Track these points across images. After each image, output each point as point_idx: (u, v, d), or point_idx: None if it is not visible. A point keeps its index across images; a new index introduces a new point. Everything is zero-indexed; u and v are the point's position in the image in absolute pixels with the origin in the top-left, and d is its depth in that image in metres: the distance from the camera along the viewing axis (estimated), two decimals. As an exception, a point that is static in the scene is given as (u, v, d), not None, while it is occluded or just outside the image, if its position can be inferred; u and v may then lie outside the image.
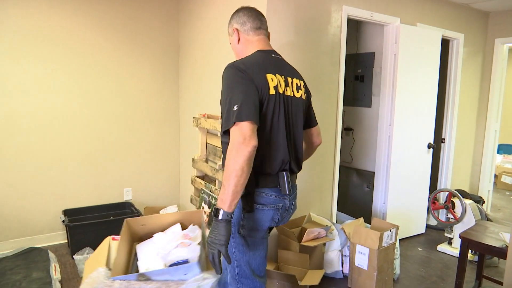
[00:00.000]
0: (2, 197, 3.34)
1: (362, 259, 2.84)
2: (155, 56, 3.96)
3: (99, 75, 3.66)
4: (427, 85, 3.89)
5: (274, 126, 1.64)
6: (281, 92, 1.65)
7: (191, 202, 3.69)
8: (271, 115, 1.62)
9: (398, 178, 3.77)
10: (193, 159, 3.61)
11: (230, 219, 1.48)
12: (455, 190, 3.76)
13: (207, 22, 3.54)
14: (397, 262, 3.10)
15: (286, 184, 1.66)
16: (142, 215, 3.83)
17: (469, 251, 3.36)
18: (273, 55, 1.77)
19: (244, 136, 1.45)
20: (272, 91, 1.61)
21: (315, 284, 2.70)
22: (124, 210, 3.81)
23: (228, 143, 1.52)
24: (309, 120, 1.94)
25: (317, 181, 3.31)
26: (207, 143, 3.57)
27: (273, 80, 1.63)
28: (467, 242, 2.38)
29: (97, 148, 3.75)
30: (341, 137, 4.37)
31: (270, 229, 1.86)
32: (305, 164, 3.20)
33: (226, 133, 1.55)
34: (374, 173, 3.91)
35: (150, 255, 1.84)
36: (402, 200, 3.85)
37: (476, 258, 3.24)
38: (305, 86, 1.86)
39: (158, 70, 4.00)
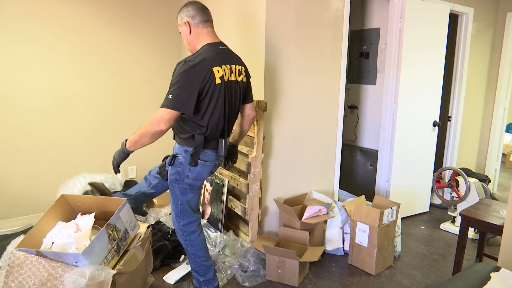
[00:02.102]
0: (10, 176, 3.39)
1: (362, 236, 2.84)
2: (156, 34, 3.91)
3: (100, 55, 3.64)
4: (433, 61, 3.80)
5: (218, 106, 2.09)
6: (225, 79, 2.09)
7: (194, 180, 3.71)
8: (216, 98, 2.06)
9: (402, 157, 3.74)
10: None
11: (127, 154, 2.18)
12: (460, 168, 3.72)
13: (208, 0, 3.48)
14: (398, 240, 3.10)
15: (223, 147, 2.21)
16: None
17: (473, 230, 3.37)
18: (220, 47, 2.14)
19: (160, 118, 1.94)
20: (218, 81, 2.04)
21: (314, 261, 2.72)
22: (129, 188, 3.84)
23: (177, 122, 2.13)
24: (246, 97, 2.35)
25: (318, 160, 3.30)
26: (209, 121, 3.56)
27: (219, 72, 2.05)
28: (467, 220, 2.36)
29: (100, 127, 3.76)
30: (345, 115, 4.34)
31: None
32: (306, 142, 3.19)
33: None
34: (378, 151, 3.88)
35: (56, 235, 2.07)
36: (406, 178, 3.82)
37: (479, 236, 3.22)
38: (245, 70, 2.30)
39: (159, 49, 3.96)
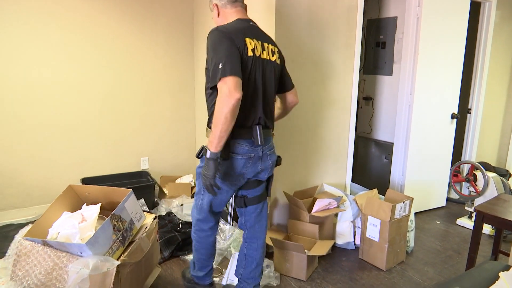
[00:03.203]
0: (24, 167, 3.45)
1: (373, 230, 2.78)
2: (169, 24, 3.90)
3: (114, 46, 3.65)
4: (452, 52, 3.66)
5: (251, 85, 1.88)
6: (257, 55, 1.89)
7: (205, 171, 3.70)
8: (248, 74, 1.86)
9: (418, 150, 3.63)
10: (206, 129, 3.59)
11: (217, 158, 1.79)
12: (479, 162, 3.59)
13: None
14: (411, 235, 3.02)
15: (259, 136, 1.93)
16: (158, 185, 3.90)
17: (490, 226, 3.25)
18: (250, 23, 1.99)
19: (229, 89, 1.68)
20: (250, 53, 1.85)
21: (324, 255, 2.68)
22: (141, 179, 3.87)
23: (211, 95, 1.87)
24: (286, 83, 2.22)
25: (331, 152, 3.23)
26: (220, 112, 3.53)
27: (251, 44, 1.87)
28: (482, 216, 2.27)
29: (114, 118, 3.79)
30: (361, 107, 4.25)
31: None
32: (318, 133, 3.13)
33: (213, 88, 1.80)
34: (393, 144, 3.78)
35: (61, 226, 2.06)
36: (422, 172, 3.72)
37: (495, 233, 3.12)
38: (279, 52, 2.11)
39: (173, 39, 3.95)
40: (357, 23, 3.11)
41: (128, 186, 3.59)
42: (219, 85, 1.71)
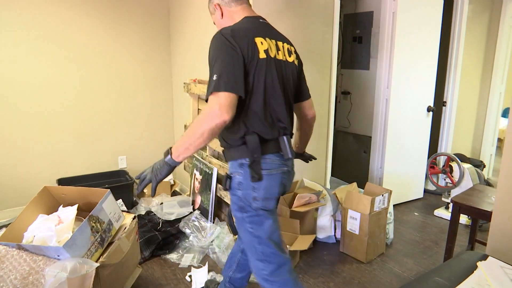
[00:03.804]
0: (-3, 167, 3.35)
1: (353, 224, 2.81)
2: (145, 20, 3.83)
3: (86, 43, 3.56)
4: (427, 45, 3.72)
5: (268, 90, 1.59)
6: (272, 56, 1.61)
7: (185, 169, 3.67)
8: (264, 79, 1.57)
9: (396, 143, 3.69)
10: (185, 126, 3.56)
11: (173, 167, 1.54)
12: (454, 154, 3.67)
13: (195, -18, 3.39)
14: (390, 227, 3.07)
15: (288, 147, 1.65)
16: (137, 183, 3.83)
17: (466, 216, 3.34)
18: (260, 20, 1.72)
19: (219, 107, 1.40)
20: (262, 55, 1.57)
21: (305, 249, 2.69)
22: (119, 178, 3.80)
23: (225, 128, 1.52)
24: (303, 92, 1.89)
25: (310, 147, 3.22)
26: (198, 109, 3.50)
27: (263, 44, 1.59)
28: (458, 206, 2.32)
29: (90, 117, 3.70)
30: (339, 101, 4.28)
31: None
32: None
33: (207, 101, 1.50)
34: (371, 137, 3.82)
35: (37, 229, 2.00)
36: (400, 164, 3.78)
37: (471, 222, 3.20)
38: (295, 52, 1.83)
39: (148, 35, 3.88)
40: (335, 18, 3.12)
41: (106, 186, 3.52)
42: (210, 98, 1.44)
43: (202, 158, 3.23)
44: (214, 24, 1.82)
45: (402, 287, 1.42)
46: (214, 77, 1.44)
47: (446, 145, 4.35)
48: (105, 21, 3.62)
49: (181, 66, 3.87)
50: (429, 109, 3.87)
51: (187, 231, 2.93)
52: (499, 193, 1.52)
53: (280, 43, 1.69)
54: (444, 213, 3.60)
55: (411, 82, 3.67)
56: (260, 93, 1.56)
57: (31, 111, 3.41)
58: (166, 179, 3.85)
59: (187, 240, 2.92)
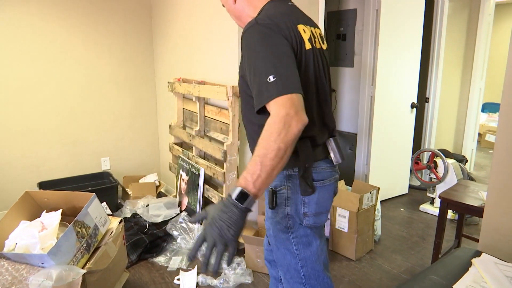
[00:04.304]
0: (-28, 171, 3.22)
1: (342, 221, 2.81)
2: (126, 19, 3.74)
3: (67, 42, 3.46)
4: (410, 42, 3.76)
5: (317, 85, 1.32)
6: (315, 45, 1.33)
7: (170, 169, 3.61)
8: (313, 73, 1.30)
9: (381, 139, 3.71)
10: (170, 126, 3.50)
11: (249, 209, 1.07)
12: (438, 150, 3.72)
13: (178, -20, 3.33)
14: (378, 224, 3.09)
15: (338, 150, 1.40)
16: (121, 185, 3.76)
17: (452, 210, 3.38)
18: (289, 3, 1.39)
19: (295, 109, 1.07)
20: (308, 45, 1.27)
21: (295, 249, 2.67)
22: (103, 180, 3.71)
23: (260, 125, 1.12)
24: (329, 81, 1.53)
25: (297, 145, 3.23)
26: (183, 108, 3.45)
27: (306, 32, 1.29)
28: (446, 202, 2.34)
29: (71, 118, 3.60)
30: (324, 99, 4.28)
31: None
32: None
33: (260, 112, 1.14)
34: (356, 134, 3.84)
35: (19, 236, 1.93)
36: (385, 161, 3.81)
37: (457, 217, 3.24)
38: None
39: (130, 35, 3.80)
40: (319, 16, 3.11)
41: (90, 188, 3.44)
42: (273, 107, 1.08)
43: (188, 158, 3.18)
44: (224, 7, 1.49)
45: (399, 286, 1.41)
46: (271, 79, 1.10)
47: (429, 141, 4.40)
48: (85, 20, 3.52)
49: (165, 65, 3.80)
50: (412, 106, 3.91)
51: (175, 233, 2.88)
52: (491, 189, 1.53)
53: (313, 29, 1.37)
54: (429, 208, 3.65)
55: (395, 79, 3.70)
56: (310, 89, 1.29)
57: (10, 112, 3.29)
58: (151, 180, 3.82)
59: (174, 243, 2.87)
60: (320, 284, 1.42)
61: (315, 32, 1.38)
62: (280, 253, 1.41)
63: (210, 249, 1.04)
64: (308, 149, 1.28)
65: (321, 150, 1.37)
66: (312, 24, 1.40)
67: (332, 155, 1.39)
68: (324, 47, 1.43)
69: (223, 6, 1.49)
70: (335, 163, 1.41)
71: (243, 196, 1.04)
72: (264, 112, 1.12)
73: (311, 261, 1.39)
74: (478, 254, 1.41)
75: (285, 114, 1.05)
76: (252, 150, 1.27)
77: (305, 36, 1.28)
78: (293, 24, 1.25)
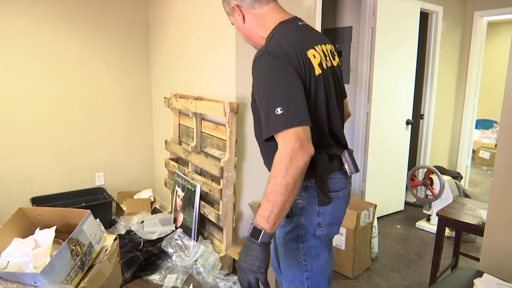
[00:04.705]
0: (-36, 186, 3.17)
1: (339, 239, 2.79)
2: (123, 33, 3.75)
3: (64, 56, 3.46)
4: (405, 59, 3.80)
5: (328, 105, 1.37)
6: (324, 67, 1.36)
7: (165, 185, 3.58)
8: (323, 95, 1.34)
9: (377, 156, 3.72)
10: (166, 141, 3.48)
11: (270, 242, 1.19)
12: (434, 166, 3.73)
13: (173, 1, 3.35)
14: (375, 241, 3.06)
15: (351, 162, 1.43)
16: (116, 201, 3.71)
17: (448, 228, 3.38)
18: (299, 23, 1.41)
19: (300, 142, 1.14)
20: (318, 71, 1.31)
21: (291, 266, 2.64)
22: (96, 196, 3.67)
23: (270, 144, 1.24)
24: (343, 92, 1.57)
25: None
26: (179, 124, 3.44)
27: (316, 57, 1.32)
28: (444, 220, 2.33)
29: (65, 132, 3.57)
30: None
31: None
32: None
33: (268, 139, 1.23)
34: (352, 151, 3.84)
35: (11, 254, 1.87)
36: (381, 177, 3.81)
37: (453, 234, 3.23)
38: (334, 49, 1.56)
39: (127, 49, 3.80)
40: (316, 33, 3.13)
41: (83, 204, 3.40)
42: (280, 140, 1.17)
43: (184, 174, 3.16)
44: (232, 24, 1.53)
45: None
46: (279, 111, 1.17)
47: (425, 157, 4.42)
48: (83, 34, 3.52)
49: (161, 80, 3.81)
50: (408, 122, 3.94)
51: (170, 250, 2.84)
52: (491, 209, 1.52)
53: (323, 47, 1.39)
54: (425, 225, 3.64)
55: (391, 95, 3.73)
56: (321, 109, 1.34)
57: (3, 125, 3.26)
58: (145, 196, 3.78)
59: (169, 260, 2.82)
60: None
61: (326, 50, 1.40)
62: (287, 263, 1.41)
63: (244, 283, 1.19)
64: (325, 162, 1.33)
65: (337, 162, 1.40)
66: (323, 41, 1.41)
67: (346, 166, 1.42)
68: (335, 63, 1.45)
69: (232, 24, 1.53)
70: (349, 174, 1.44)
71: (258, 232, 1.15)
72: (272, 139, 1.20)
73: (316, 274, 1.40)
74: (479, 274, 1.40)
75: (290, 149, 1.13)
76: (267, 166, 1.44)
77: (315, 62, 1.31)
78: (302, 51, 1.28)
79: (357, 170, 1.44)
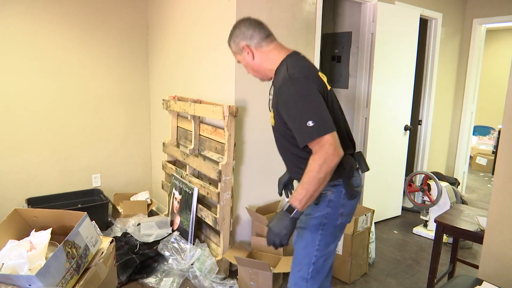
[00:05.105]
0: (-41, 186, 3.14)
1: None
2: (122, 36, 3.74)
3: (62, 57, 3.44)
4: (404, 65, 3.81)
5: (343, 116, 1.72)
6: (329, 87, 1.68)
7: (163, 188, 3.56)
8: (338, 108, 1.68)
9: (375, 161, 3.71)
10: (164, 144, 3.46)
11: (298, 218, 1.51)
12: (431, 172, 3.73)
13: (174, 2, 3.35)
14: (372, 246, 3.06)
15: (363, 160, 1.70)
16: (112, 203, 3.69)
17: (445, 234, 3.37)
18: (301, 55, 1.71)
19: (334, 148, 1.44)
20: (329, 87, 1.65)
21: (288, 272, 2.62)
22: (93, 197, 3.65)
23: (294, 153, 1.65)
24: None
25: (292, 165, 3.21)
26: (178, 126, 3.43)
27: (323, 77, 1.66)
28: (442, 227, 2.33)
29: (62, 133, 3.55)
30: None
31: None
32: (275, 148, 3.10)
33: (305, 146, 1.50)
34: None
35: (6, 256, 1.85)
36: (379, 182, 3.80)
37: (450, 240, 3.23)
38: None
39: (126, 51, 3.79)
40: (316, 38, 3.14)
41: (79, 205, 3.38)
42: (315, 147, 1.46)
43: (181, 177, 3.14)
44: (239, 63, 1.79)
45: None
46: (310, 123, 1.44)
47: (422, 163, 4.42)
48: (82, 35, 3.51)
49: (160, 82, 3.79)
50: (406, 128, 3.94)
51: (166, 253, 2.82)
52: (491, 218, 1.52)
53: (320, 74, 1.68)
54: (422, 231, 3.63)
55: (389, 101, 3.73)
56: (338, 119, 1.63)
57: (2, 125, 3.24)
58: (142, 198, 3.76)
59: (166, 263, 2.80)
60: (319, 281, 1.68)
61: (323, 76, 1.68)
62: (302, 243, 1.69)
63: (270, 244, 1.53)
64: (352, 163, 1.62)
65: (354, 161, 1.67)
66: (319, 70, 1.73)
67: (361, 165, 1.70)
68: (329, 87, 1.69)
69: (238, 62, 1.80)
70: (361, 173, 1.72)
71: (291, 209, 1.47)
72: (305, 147, 1.51)
73: (321, 261, 1.66)
74: (479, 282, 1.39)
75: (325, 153, 1.43)
76: (291, 172, 1.82)
77: (325, 80, 1.64)
78: (316, 73, 1.60)
79: (367, 168, 1.70)
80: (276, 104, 1.62)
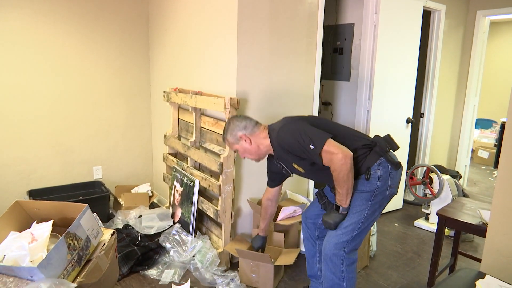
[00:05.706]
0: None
1: (338, 237, 2.77)
2: (123, 27, 3.71)
3: (63, 50, 3.42)
4: (407, 58, 3.78)
5: (340, 126, 2.14)
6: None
7: (164, 180, 3.56)
8: (330, 121, 2.25)
9: (376, 154, 3.70)
10: (165, 136, 3.45)
11: (346, 213, 1.94)
12: (433, 165, 3.72)
13: (177, -11, 3.31)
14: (373, 239, 3.06)
15: (392, 141, 2.01)
16: (113, 195, 3.69)
17: (447, 227, 3.37)
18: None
19: (339, 149, 1.80)
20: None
21: (290, 264, 2.63)
22: (94, 189, 3.65)
23: (320, 166, 1.92)
24: None
25: (293, 158, 3.20)
26: (179, 118, 3.41)
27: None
28: (444, 220, 2.32)
29: (63, 125, 3.54)
30: (319, 112, 4.27)
31: None
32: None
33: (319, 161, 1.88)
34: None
35: (8, 248, 1.85)
36: (380, 176, 3.79)
37: (452, 233, 3.23)
38: None
39: (126, 42, 3.76)
40: (318, 29, 3.11)
41: (80, 197, 3.38)
42: (326, 156, 1.82)
43: (183, 169, 3.14)
44: (236, 151, 2.21)
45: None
46: (312, 146, 1.83)
47: (424, 156, 4.41)
48: (82, 27, 3.49)
49: (161, 74, 3.77)
50: (408, 121, 3.92)
51: (167, 245, 2.82)
52: (494, 211, 1.51)
53: None
54: (424, 224, 3.63)
55: (392, 93, 3.71)
56: (332, 126, 2.04)
57: (1, 117, 3.23)
58: (144, 190, 3.76)
59: (167, 255, 2.81)
60: (357, 245, 1.98)
61: None
62: (353, 211, 1.95)
63: (326, 228, 2.01)
64: (382, 142, 1.95)
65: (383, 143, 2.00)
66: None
67: (389, 146, 1.99)
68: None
69: (235, 152, 2.25)
70: (393, 151, 2.03)
71: (338, 208, 1.94)
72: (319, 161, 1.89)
73: (365, 227, 1.95)
74: (481, 275, 1.38)
75: (337, 158, 1.80)
76: (331, 184, 2.03)
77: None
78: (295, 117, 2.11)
79: (398, 146, 2.01)
80: (289, 157, 2.00)
